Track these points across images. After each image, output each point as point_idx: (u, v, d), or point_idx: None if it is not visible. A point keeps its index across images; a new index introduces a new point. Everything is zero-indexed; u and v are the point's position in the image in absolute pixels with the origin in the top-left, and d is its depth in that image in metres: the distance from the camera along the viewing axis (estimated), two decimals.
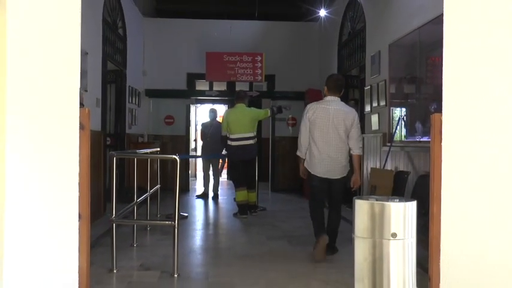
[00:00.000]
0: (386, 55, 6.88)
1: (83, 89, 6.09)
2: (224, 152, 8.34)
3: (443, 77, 1.73)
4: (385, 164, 6.58)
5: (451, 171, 1.70)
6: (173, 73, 10.64)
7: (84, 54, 6.14)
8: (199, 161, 12.33)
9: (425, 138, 5.69)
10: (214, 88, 11.35)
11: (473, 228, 1.60)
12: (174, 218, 4.27)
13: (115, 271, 4.28)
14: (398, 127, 6.54)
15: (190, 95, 11.04)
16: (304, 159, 5.00)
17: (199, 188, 10.81)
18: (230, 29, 10.70)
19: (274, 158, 10.97)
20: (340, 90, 4.98)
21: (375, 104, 7.34)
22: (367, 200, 1.42)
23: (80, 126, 1.91)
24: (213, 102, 12.45)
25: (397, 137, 6.56)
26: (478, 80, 1.60)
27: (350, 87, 9.36)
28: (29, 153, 1.58)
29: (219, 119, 10.09)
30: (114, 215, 4.42)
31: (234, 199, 7.70)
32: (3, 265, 1.44)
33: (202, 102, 12.78)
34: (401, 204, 1.40)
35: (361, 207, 1.43)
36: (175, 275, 4.17)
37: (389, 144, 6.57)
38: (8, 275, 1.45)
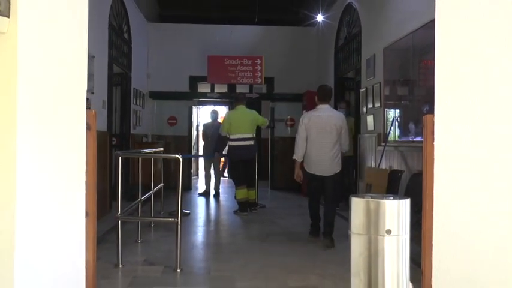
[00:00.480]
0: (381, 58, 6.88)
1: (90, 91, 6.09)
2: (224, 152, 8.35)
3: (435, 80, 1.74)
4: (379, 163, 6.58)
5: (442, 170, 1.70)
6: (176, 76, 10.64)
7: (91, 57, 6.14)
8: (201, 160, 12.32)
9: (418, 138, 5.69)
10: (216, 90, 11.34)
11: (463, 225, 1.61)
12: (177, 215, 4.27)
13: (120, 266, 4.28)
14: (392, 128, 6.54)
15: (192, 96, 11.04)
16: (300, 163, 5.43)
17: (201, 187, 10.81)
18: (231, 33, 10.70)
19: (274, 158, 10.97)
20: (329, 98, 5.58)
21: (370, 106, 7.34)
22: (363, 197, 1.42)
23: (86, 127, 1.91)
24: (215, 103, 12.44)
25: (391, 137, 6.55)
26: (469, 82, 1.60)
27: (346, 90, 9.37)
28: (39, 153, 1.59)
29: (220, 119, 10.10)
30: (119, 212, 4.42)
31: (235, 197, 7.70)
32: (14, 260, 1.44)
33: (204, 103, 12.78)
34: (396, 201, 1.40)
35: (357, 205, 1.43)
36: (178, 270, 4.18)
37: (383, 144, 6.57)
38: (19, 268, 1.45)
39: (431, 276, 1.72)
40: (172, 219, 4.58)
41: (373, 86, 7.14)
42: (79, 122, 1.86)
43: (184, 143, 10.83)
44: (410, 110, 6.36)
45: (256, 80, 10.60)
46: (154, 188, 5.95)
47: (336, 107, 7.89)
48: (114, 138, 7.98)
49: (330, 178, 5.33)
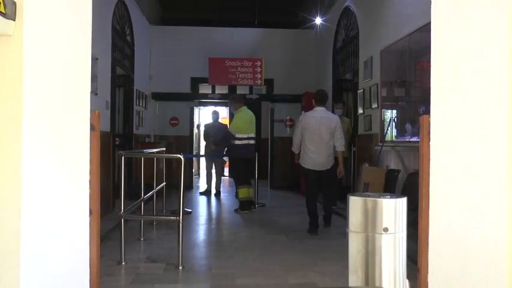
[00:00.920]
0: (378, 60, 6.88)
1: (93, 92, 6.09)
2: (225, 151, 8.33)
3: (431, 81, 1.74)
4: (377, 162, 6.58)
5: (438, 169, 1.70)
6: (178, 77, 10.64)
7: (94, 59, 6.14)
8: (203, 160, 12.32)
9: (414, 139, 5.69)
10: (217, 91, 11.35)
11: (459, 223, 1.61)
12: (179, 213, 4.27)
13: (123, 263, 4.29)
14: (389, 128, 6.54)
15: (194, 97, 11.04)
16: (297, 153, 6.10)
17: (202, 186, 10.81)
18: (231, 35, 10.70)
19: (273, 157, 10.97)
20: (325, 101, 6.15)
21: (367, 107, 7.34)
22: (361, 196, 1.42)
23: (90, 128, 1.91)
24: (215, 104, 12.45)
25: (388, 137, 6.56)
26: (464, 83, 1.61)
27: (344, 91, 9.37)
28: (44, 153, 1.59)
29: (220, 120, 10.09)
30: (122, 211, 4.42)
31: (235, 196, 7.70)
32: (20, 257, 1.44)
33: (205, 104, 12.79)
34: (393, 200, 1.40)
35: (355, 203, 1.43)
36: (180, 267, 4.18)
37: (381, 144, 6.57)
38: (24, 265, 1.46)
39: (428, 273, 1.72)
40: (174, 218, 4.58)
41: (370, 88, 7.14)
42: (83, 122, 1.87)
43: (185, 143, 10.84)
44: (407, 111, 6.37)
45: (256, 82, 10.60)
46: (156, 187, 5.95)
47: (333, 108, 7.92)
48: (117, 139, 7.98)
49: (325, 172, 5.95)
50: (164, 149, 7.72)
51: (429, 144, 1.74)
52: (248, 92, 11.03)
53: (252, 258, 4.59)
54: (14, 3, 1.42)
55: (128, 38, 8.65)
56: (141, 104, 9.53)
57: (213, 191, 9.58)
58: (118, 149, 7.55)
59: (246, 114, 7.47)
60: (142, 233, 5.35)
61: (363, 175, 6.75)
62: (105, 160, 6.00)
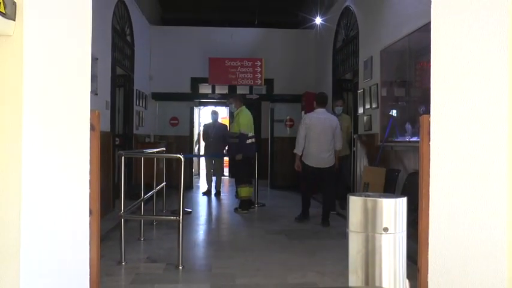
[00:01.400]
0: (378, 60, 6.88)
1: (93, 92, 6.09)
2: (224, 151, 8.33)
3: (431, 81, 1.74)
4: (377, 162, 6.57)
5: (438, 169, 1.70)
6: (178, 77, 10.64)
7: (94, 59, 6.14)
8: (202, 160, 12.32)
9: (414, 138, 5.69)
10: (217, 91, 11.34)
11: (459, 223, 1.61)
12: (179, 213, 4.27)
13: (123, 263, 4.29)
14: (389, 128, 6.54)
15: (194, 97, 11.04)
16: (300, 156, 6.37)
17: (202, 186, 10.81)
18: (231, 35, 10.70)
19: (273, 157, 10.97)
20: (326, 103, 6.58)
21: (367, 106, 7.34)
22: (361, 196, 1.42)
23: (90, 128, 1.91)
24: (215, 104, 12.45)
25: (388, 137, 6.55)
26: (464, 83, 1.61)
27: (344, 91, 9.37)
28: (44, 153, 1.59)
29: (220, 120, 10.09)
30: (122, 211, 4.42)
31: (236, 195, 7.70)
32: (20, 257, 1.44)
33: (205, 104, 12.79)
34: (393, 200, 1.40)
35: (355, 203, 1.43)
36: (180, 267, 4.18)
37: (381, 144, 6.57)
38: (24, 265, 1.45)
39: (428, 273, 1.72)
40: (174, 218, 4.58)
41: (370, 88, 7.14)
42: (83, 122, 1.87)
43: (185, 143, 10.84)
44: (407, 111, 6.37)
45: (256, 82, 10.60)
46: (156, 187, 5.94)
47: (333, 105, 7.94)
48: (117, 139, 7.98)
49: (326, 170, 6.34)
50: (164, 149, 7.72)
51: (429, 144, 1.74)
52: (248, 92, 11.03)
53: (252, 258, 4.59)
54: (14, 3, 1.42)
55: (128, 38, 8.65)
56: (141, 104, 9.53)
57: (213, 190, 9.58)
58: (118, 149, 7.55)
59: (248, 114, 7.54)
60: (142, 233, 5.34)
61: (363, 175, 6.75)
62: (105, 160, 6.01)
